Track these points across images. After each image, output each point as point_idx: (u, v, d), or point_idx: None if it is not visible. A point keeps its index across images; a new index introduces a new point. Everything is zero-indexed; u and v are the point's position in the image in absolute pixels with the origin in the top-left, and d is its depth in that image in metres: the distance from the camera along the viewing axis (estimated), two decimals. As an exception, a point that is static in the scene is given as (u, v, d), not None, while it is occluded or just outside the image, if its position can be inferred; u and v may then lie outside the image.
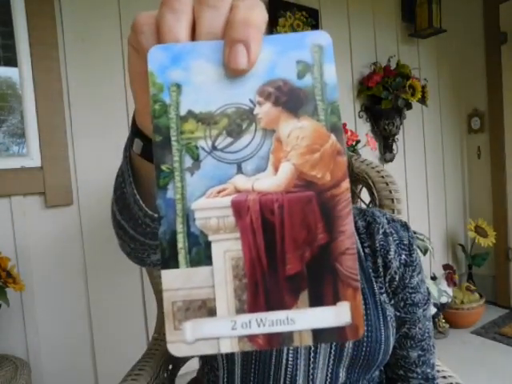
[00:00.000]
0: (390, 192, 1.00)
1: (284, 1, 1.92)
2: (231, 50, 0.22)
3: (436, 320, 2.26)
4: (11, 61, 1.38)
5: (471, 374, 1.81)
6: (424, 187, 2.59)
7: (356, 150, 1.16)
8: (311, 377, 0.64)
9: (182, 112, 0.22)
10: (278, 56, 0.23)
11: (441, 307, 2.17)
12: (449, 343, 2.22)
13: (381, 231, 0.70)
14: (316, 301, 0.22)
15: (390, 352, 0.67)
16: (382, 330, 0.65)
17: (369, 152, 1.98)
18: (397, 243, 0.70)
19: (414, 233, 2.11)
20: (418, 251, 0.73)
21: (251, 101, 0.23)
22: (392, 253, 0.69)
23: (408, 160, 2.47)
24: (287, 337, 0.21)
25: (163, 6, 0.25)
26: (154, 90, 0.22)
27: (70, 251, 1.44)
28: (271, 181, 0.22)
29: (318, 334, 0.21)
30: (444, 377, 0.80)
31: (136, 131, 0.36)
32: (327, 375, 0.64)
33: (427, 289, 0.74)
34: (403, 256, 0.69)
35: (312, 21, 2.01)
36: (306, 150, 0.22)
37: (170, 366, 1.03)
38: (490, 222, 2.61)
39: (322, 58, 0.22)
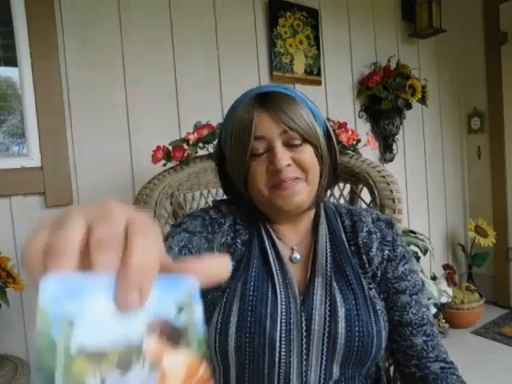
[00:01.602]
0: (391, 192, 1.00)
1: (284, 1, 1.92)
2: (123, 291, 0.23)
3: (436, 320, 2.26)
4: (11, 61, 1.38)
5: (471, 373, 1.80)
6: (424, 187, 2.59)
7: (356, 150, 1.16)
8: (305, 374, 0.64)
9: (72, 348, 0.22)
10: (162, 295, 0.24)
11: (441, 307, 2.16)
12: (449, 343, 2.21)
13: (365, 229, 0.73)
14: None
15: (383, 346, 0.68)
16: (373, 324, 0.66)
17: (369, 152, 1.98)
18: (379, 241, 0.72)
19: (414, 233, 2.11)
20: (405, 245, 0.75)
21: (139, 336, 0.23)
22: (374, 250, 0.71)
23: (408, 160, 2.47)
24: None
25: (54, 236, 0.23)
26: (43, 324, 0.21)
27: (69, 251, 1.44)
28: None
29: None
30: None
31: None
32: (321, 372, 0.65)
33: (422, 280, 0.75)
34: (386, 251, 0.72)
35: (312, 21, 2.01)
36: (184, 381, 0.24)
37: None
38: (490, 222, 2.61)
39: (191, 301, 0.25)
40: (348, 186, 1.17)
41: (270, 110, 0.67)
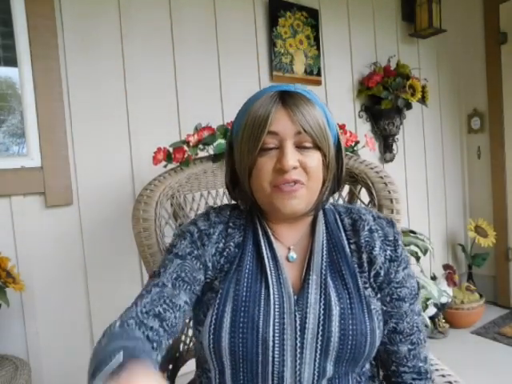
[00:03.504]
0: (389, 192, 1.00)
1: (284, 1, 1.92)
2: None
3: (436, 320, 2.26)
4: (11, 61, 1.38)
5: (471, 373, 1.81)
6: (424, 187, 2.59)
7: (355, 151, 1.17)
8: (298, 372, 0.65)
9: None
10: None
11: (441, 307, 2.17)
12: (449, 343, 2.22)
13: (366, 228, 0.72)
14: None
15: (377, 344, 0.68)
16: (367, 323, 0.66)
17: (369, 152, 1.98)
18: (382, 239, 0.72)
19: (414, 233, 2.11)
20: (403, 246, 0.75)
21: None
22: (377, 249, 0.71)
23: (408, 160, 2.47)
24: None
25: None
26: None
27: (70, 251, 1.44)
28: None
29: None
30: (443, 375, 0.81)
31: None
32: (315, 370, 0.65)
33: (417, 284, 0.75)
34: (388, 251, 0.71)
35: (312, 21, 2.01)
36: None
37: (170, 366, 1.03)
38: (490, 222, 2.61)
39: None
40: (347, 187, 1.18)
41: (288, 108, 0.66)
